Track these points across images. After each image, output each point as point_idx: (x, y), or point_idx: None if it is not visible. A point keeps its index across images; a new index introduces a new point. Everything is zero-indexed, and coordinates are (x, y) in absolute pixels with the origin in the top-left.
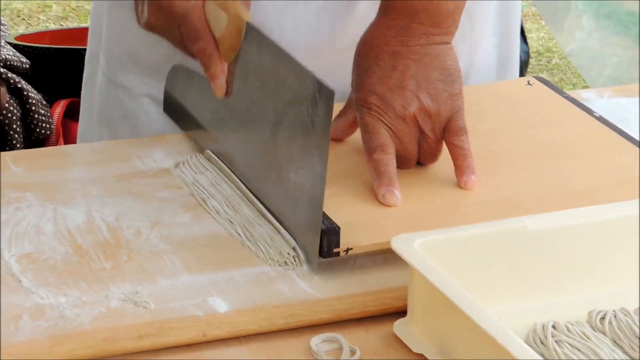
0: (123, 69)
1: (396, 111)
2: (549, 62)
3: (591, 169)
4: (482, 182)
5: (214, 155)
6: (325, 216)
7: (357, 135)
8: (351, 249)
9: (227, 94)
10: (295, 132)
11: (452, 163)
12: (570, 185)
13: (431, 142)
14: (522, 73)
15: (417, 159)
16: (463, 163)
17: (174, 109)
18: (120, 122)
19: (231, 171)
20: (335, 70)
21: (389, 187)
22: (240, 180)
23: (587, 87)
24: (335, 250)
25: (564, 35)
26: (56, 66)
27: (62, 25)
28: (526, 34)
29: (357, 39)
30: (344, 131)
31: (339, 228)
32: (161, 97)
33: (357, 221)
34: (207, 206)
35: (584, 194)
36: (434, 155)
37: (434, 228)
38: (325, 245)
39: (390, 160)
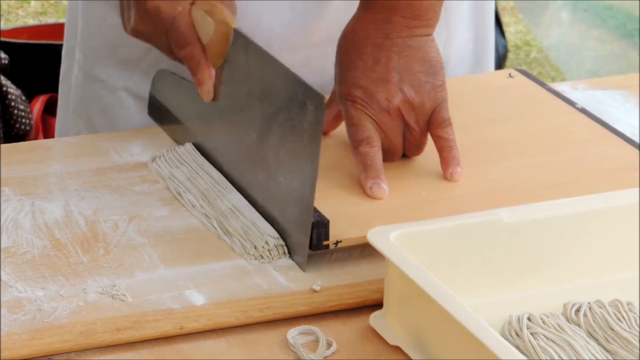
0: (99, 63)
1: (380, 104)
2: (527, 56)
3: (575, 160)
4: (467, 174)
5: (192, 149)
6: (314, 209)
7: (341, 128)
8: (340, 241)
9: (214, 98)
10: (285, 136)
11: (437, 155)
12: (554, 177)
13: (416, 135)
14: (500, 67)
15: (402, 151)
16: (448, 155)
17: (160, 113)
18: (97, 116)
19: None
20: (311, 64)
21: (376, 180)
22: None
23: (564, 80)
24: (324, 243)
25: (542, 29)
26: (35, 62)
27: (40, 20)
28: (504, 27)
29: (332, 33)
30: (329, 125)
31: (328, 221)
32: (138, 90)
33: (344, 214)
34: (182, 200)
35: (568, 185)
36: (418, 148)
37: (420, 220)
38: (315, 238)
39: (376, 153)
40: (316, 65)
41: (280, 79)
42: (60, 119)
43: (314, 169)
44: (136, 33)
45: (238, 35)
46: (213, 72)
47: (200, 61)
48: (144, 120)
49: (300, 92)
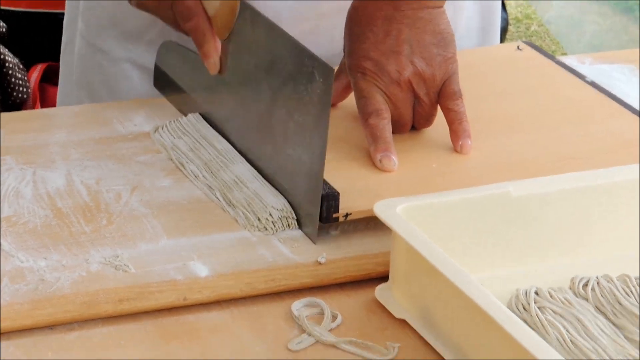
0: (102, 34)
1: (391, 76)
2: (527, 29)
3: (587, 134)
4: (477, 146)
5: (194, 120)
6: (324, 182)
7: (350, 100)
8: (350, 214)
9: (220, 71)
10: (293, 109)
11: (447, 127)
12: (565, 151)
13: (426, 107)
14: (501, 40)
15: (411, 123)
16: (459, 127)
17: (165, 84)
18: (100, 87)
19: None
20: (320, 34)
21: (386, 152)
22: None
23: (564, 54)
24: (334, 215)
25: (542, 2)
26: (33, 30)
27: None
28: (505, 1)
29: (341, 3)
30: (337, 96)
31: (338, 193)
32: (142, 61)
33: (354, 186)
34: (185, 170)
35: (580, 160)
36: (428, 120)
37: (430, 192)
38: (325, 210)
39: (386, 125)
40: (324, 35)
41: (288, 51)
42: (63, 89)
43: (323, 141)
44: (140, 5)
45: (245, 7)
46: (219, 44)
47: (206, 33)
48: (148, 91)
49: (308, 63)
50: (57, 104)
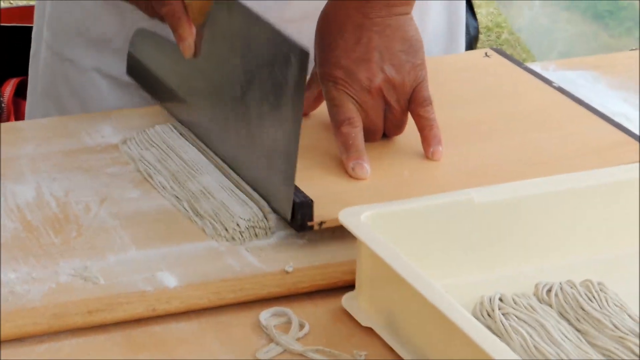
0: (69, 43)
1: (362, 84)
2: (498, 38)
3: (554, 139)
4: (448, 153)
5: (161, 131)
6: (297, 189)
7: (322, 109)
8: (324, 222)
9: (195, 55)
10: (268, 91)
11: (418, 134)
12: (534, 156)
13: (397, 114)
14: (472, 48)
15: (383, 131)
16: (429, 134)
17: (139, 72)
18: (67, 97)
19: (195, 136)
20: None
21: (358, 160)
22: (205, 145)
23: (535, 61)
24: (309, 223)
25: (513, 10)
26: (6, 44)
27: (11, 3)
28: (475, 9)
29: (305, 10)
30: (309, 105)
31: (312, 201)
32: (109, 70)
33: (327, 194)
34: (153, 181)
35: (549, 164)
36: (399, 127)
37: (402, 199)
38: (299, 218)
39: (358, 133)
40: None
41: (264, 35)
42: (30, 101)
43: (297, 121)
44: None
45: None
46: (194, 28)
47: (181, 17)
48: (116, 101)
49: (284, 47)
50: (25, 116)
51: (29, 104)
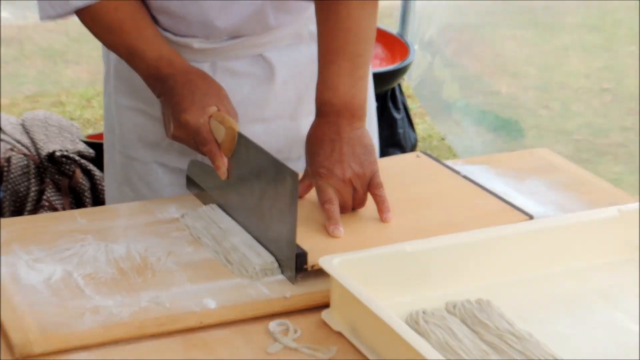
0: (134, 146)
1: (338, 177)
2: (430, 144)
3: (461, 208)
4: (395, 219)
5: (207, 210)
6: (297, 245)
7: (312, 193)
8: (314, 265)
9: (227, 177)
10: (274, 199)
11: (375, 207)
12: (451, 220)
13: (361, 195)
14: (413, 150)
15: (352, 206)
16: (383, 206)
17: (194, 187)
18: (137, 182)
19: (228, 215)
20: (269, 133)
21: (336, 225)
22: (235, 220)
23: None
24: (305, 267)
25: (443, 127)
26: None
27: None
28: (414, 125)
29: (277, 111)
30: (304, 191)
31: (306, 253)
32: (163, 161)
33: (316, 247)
34: (201, 241)
35: (459, 225)
36: (362, 203)
37: (366, 248)
38: (298, 264)
39: (335, 208)
40: (273, 134)
41: (268, 163)
42: (110, 191)
43: (294, 219)
44: (174, 137)
45: (240, 136)
46: (226, 160)
47: (217, 154)
48: (173, 183)
49: (281, 170)
50: (106, 198)
51: (109, 192)
